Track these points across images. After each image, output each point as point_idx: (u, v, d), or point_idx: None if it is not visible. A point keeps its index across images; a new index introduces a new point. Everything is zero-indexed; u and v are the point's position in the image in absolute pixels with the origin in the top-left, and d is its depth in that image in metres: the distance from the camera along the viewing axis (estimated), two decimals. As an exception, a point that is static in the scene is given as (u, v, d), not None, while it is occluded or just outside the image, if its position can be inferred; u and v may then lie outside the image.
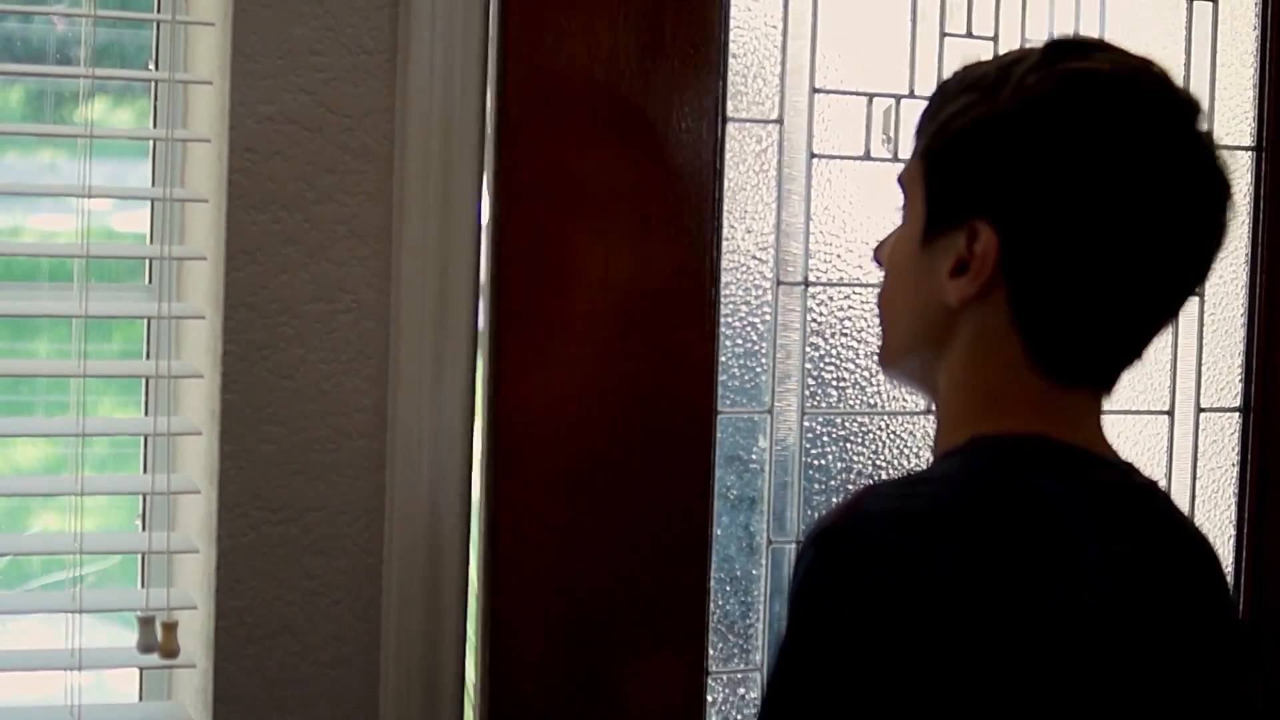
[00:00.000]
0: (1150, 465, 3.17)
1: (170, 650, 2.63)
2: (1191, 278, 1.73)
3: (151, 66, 2.78)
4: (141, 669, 2.80)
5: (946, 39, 3.02)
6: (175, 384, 2.74)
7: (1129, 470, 1.77)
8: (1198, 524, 1.89)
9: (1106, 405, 1.79)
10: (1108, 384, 1.76)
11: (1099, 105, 1.67)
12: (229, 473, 2.65)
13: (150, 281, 2.79)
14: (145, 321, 2.78)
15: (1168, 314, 1.74)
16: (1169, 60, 2.31)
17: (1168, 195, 1.67)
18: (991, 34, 3.05)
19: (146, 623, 2.64)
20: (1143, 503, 1.75)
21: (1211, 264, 1.74)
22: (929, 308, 1.75)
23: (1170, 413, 3.19)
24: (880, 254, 1.85)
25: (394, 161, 2.67)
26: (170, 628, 2.64)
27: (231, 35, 2.62)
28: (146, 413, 2.78)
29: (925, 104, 1.80)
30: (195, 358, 2.72)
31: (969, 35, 3.04)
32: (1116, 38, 1.90)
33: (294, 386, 2.66)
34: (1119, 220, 1.66)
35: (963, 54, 3.02)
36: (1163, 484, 2.78)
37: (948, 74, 1.81)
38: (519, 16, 2.73)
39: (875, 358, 1.94)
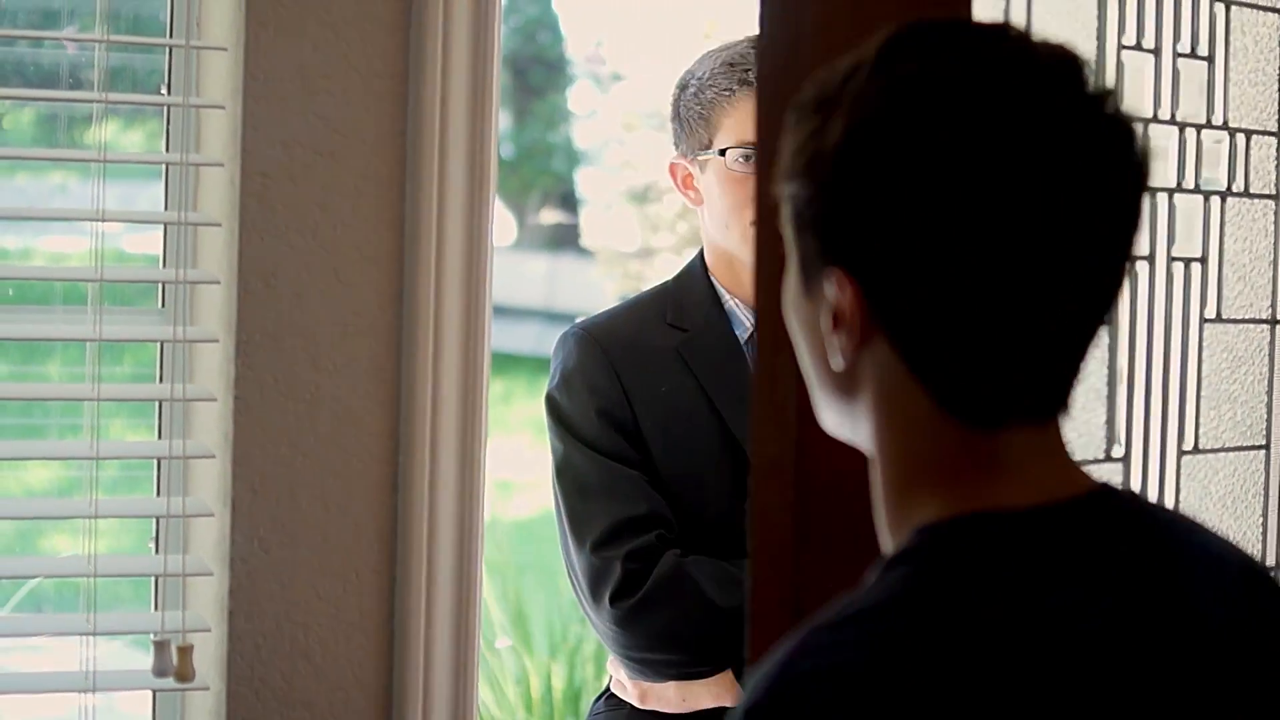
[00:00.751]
0: (1245, 506, 2.98)
1: (185, 674, 2.64)
2: (1105, 263, 1.46)
3: (164, 90, 2.79)
4: (155, 691, 2.81)
5: None
6: (188, 407, 2.75)
7: (1118, 502, 1.50)
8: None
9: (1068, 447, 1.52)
10: (1050, 411, 1.48)
11: (931, 115, 1.42)
12: (242, 496, 2.66)
13: (164, 305, 2.80)
14: (158, 345, 2.79)
15: (1091, 313, 1.47)
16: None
17: (1040, 184, 1.42)
18: None
19: (161, 646, 2.65)
20: (1168, 554, 1.49)
21: (1129, 240, 1.47)
22: (827, 364, 1.50)
23: (1266, 447, 2.92)
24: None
25: (405, 185, 2.69)
26: (185, 651, 2.64)
27: (244, 60, 2.63)
28: (160, 436, 2.79)
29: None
30: (208, 381, 2.73)
31: None
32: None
33: (307, 410, 2.67)
34: (986, 232, 1.41)
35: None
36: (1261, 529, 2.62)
37: None
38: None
39: None
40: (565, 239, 16.07)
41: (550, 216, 16.60)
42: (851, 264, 1.44)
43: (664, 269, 9.27)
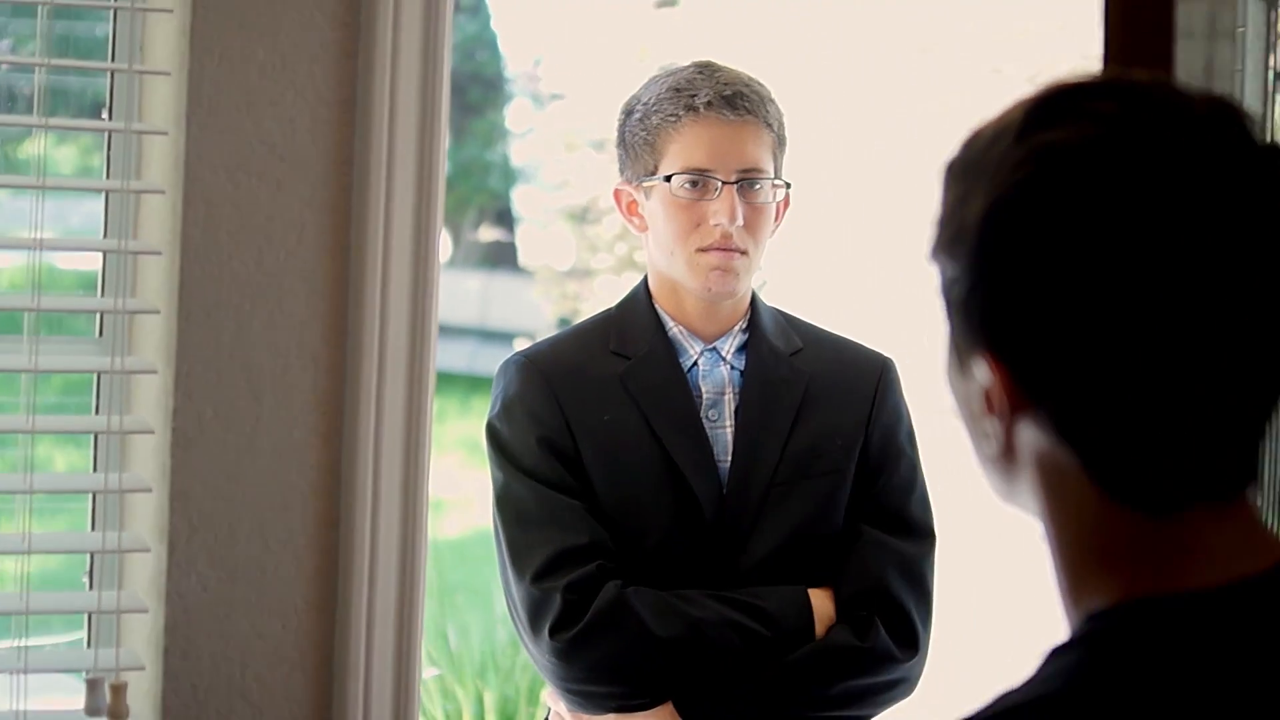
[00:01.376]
0: None
1: (119, 713, 2.58)
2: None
3: (105, 115, 2.73)
4: (87, 729, 2.74)
5: None
6: (126, 438, 2.69)
7: None
8: None
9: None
10: (1235, 487, 1.34)
11: (1078, 188, 1.31)
12: (180, 531, 2.60)
13: (101, 334, 2.74)
14: (95, 374, 2.73)
15: (1271, 380, 1.33)
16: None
17: (1205, 250, 1.30)
18: None
19: (94, 684, 2.59)
20: None
21: None
22: (987, 442, 1.40)
23: None
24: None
25: (350, 213, 2.63)
26: (119, 689, 2.58)
27: (188, 85, 2.57)
28: (96, 467, 2.72)
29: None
30: (146, 412, 2.67)
31: None
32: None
33: (247, 443, 2.61)
34: (1148, 309, 1.31)
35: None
36: None
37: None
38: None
39: None
40: (502, 257, 16.01)
41: (487, 234, 16.55)
42: (1001, 350, 1.34)
43: (602, 290, 9.24)
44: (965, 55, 4.71)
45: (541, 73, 13.42)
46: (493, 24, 16.40)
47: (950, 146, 1.44)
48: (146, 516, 2.67)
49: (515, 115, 16.12)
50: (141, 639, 2.67)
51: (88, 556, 2.74)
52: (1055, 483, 1.35)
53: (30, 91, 2.64)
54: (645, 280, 2.84)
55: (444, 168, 2.70)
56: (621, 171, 2.81)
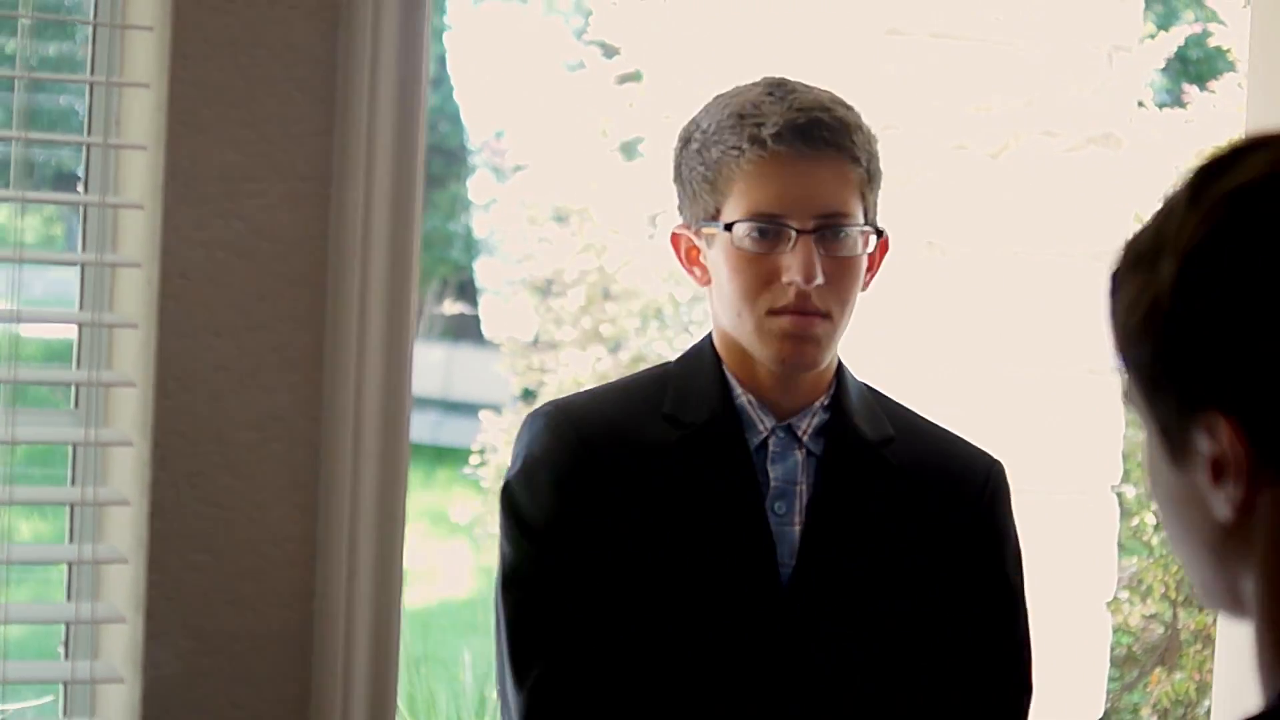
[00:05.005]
0: None
1: (94, 783, 2.59)
2: None
3: (80, 187, 2.76)
4: (61, 800, 2.75)
5: None
6: (102, 509, 2.71)
7: None
8: None
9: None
10: None
11: (1263, 223, 1.31)
12: (156, 601, 2.62)
13: (77, 405, 2.76)
14: (71, 445, 2.75)
15: None
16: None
17: None
18: None
19: (69, 755, 2.60)
20: None
21: None
22: (1210, 528, 1.36)
23: None
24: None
25: (326, 288, 2.66)
26: (94, 760, 2.60)
27: (164, 159, 2.60)
28: (71, 538, 2.74)
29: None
30: (122, 483, 2.69)
31: None
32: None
33: (223, 515, 2.64)
34: None
35: None
36: None
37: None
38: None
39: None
40: (465, 329, 16.06)
41: (450, 306, 16.59)
42: (1228, 401, 1.32)
43: (568, 362, 9.26)
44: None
45: (504, 145, 13.51)
46: (455, 96, 16.48)
47: None
48: (122, 586, 2.68)
49: (477, 187, 16.21)
50: (117, 709, 2.69)
51: (63, 627, 2.76)
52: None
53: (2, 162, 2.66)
54: (710, 337, 2.44)
55: (418, 242, 2.72)
56: (680, 212, 2.44)
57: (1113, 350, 1.42)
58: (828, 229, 2.30)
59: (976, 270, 4.83)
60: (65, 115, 2.81)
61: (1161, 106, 8.13)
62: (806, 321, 2.30)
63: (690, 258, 2.42)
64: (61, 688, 2.76)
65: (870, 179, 2.35)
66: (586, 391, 2.54)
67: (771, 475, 2.35)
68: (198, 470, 2.62)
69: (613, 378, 9.16)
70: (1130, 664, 6.43)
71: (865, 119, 2.38)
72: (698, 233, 2.39)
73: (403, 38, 2.68)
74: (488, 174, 15.48)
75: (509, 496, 2.38)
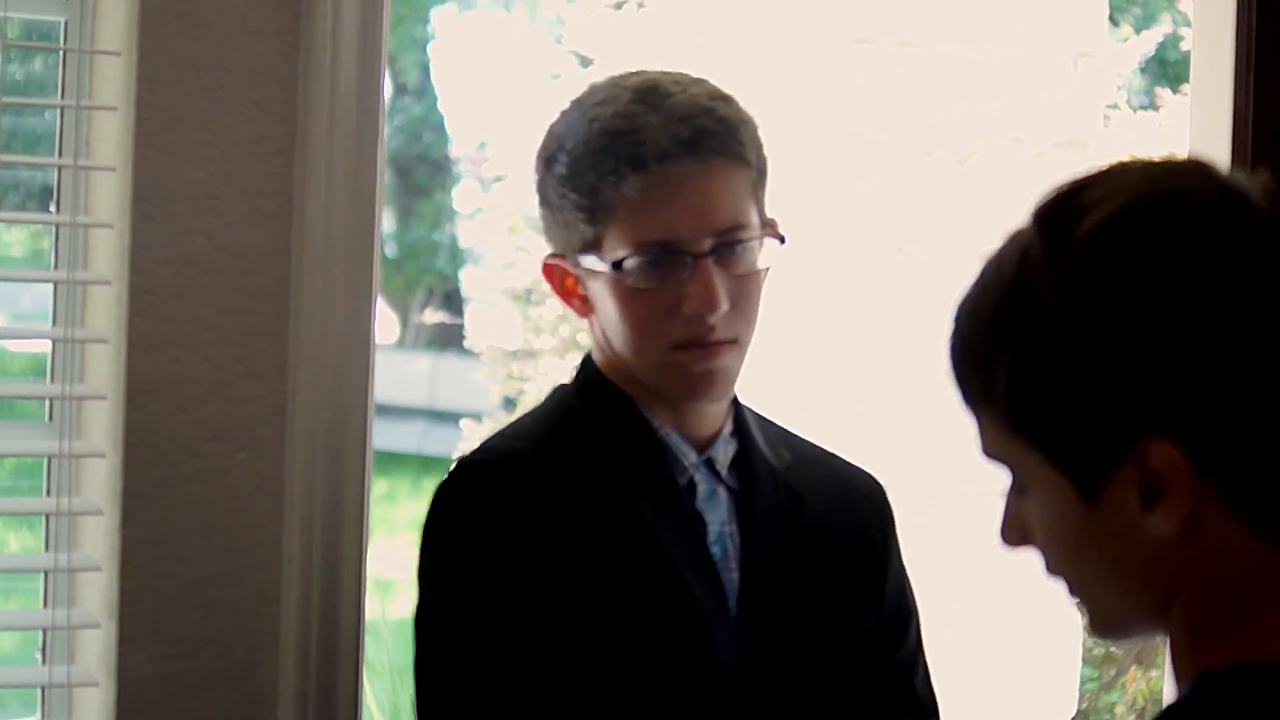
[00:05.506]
0: None
1: (69, 784, 2.67)
2: None
3: (53, 206, 2.84)
4: (40, 801, 2.83)
5: None
6: (76, 519, 2.78)
7: None
8: None
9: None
10: None
11: (1143, 250, 1.36)
12: (129, 607, 2.69)
13: (51, 418, 2.84)
14: (46, 458, 2.83)
15: None
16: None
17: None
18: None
19: (46, 757, 2.68)
20: None
21: None
22: (1138, 556, 1.41)
23: None
24: (1012, 537, 1.51)
25: (289, 302, 2.74)
26: (69, 761, 2.67)
27: (132, 179, 2.68)
28: (48, 547, 2.82)
29: (947, 362, 1.49)
30: (95, 493, 2.77)
31: None
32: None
33: (192, 523, 2.71)
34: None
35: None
36: None
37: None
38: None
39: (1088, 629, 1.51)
40: (449, 338, 16.10)
41: (434, 316, 16.64)
42: (1158, 428, 1.36)
43: (547, 371, 9.32)
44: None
45: (485, 155, 13.56)
46: (439, 105, 16.54)
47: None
48: (96, 593, 2.76)
49: (462, 196, 16.26)
50: (93, 713, 2.76)
51: (40, 633, 2.83)
52: (1224, 559, 1.39)
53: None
54: (593, 367, 2.21)
55: (379, 254, 2.80)
56: (548, 239, 2.18)
57: (965, 402, 1.47)
58: (725, 247, 2.07)
59: (946, 275, 4.91)
60: (36, 137, 2.89)
61: (1140, 109, 8.20)
62: (714, 352, 2.08)
63: (568, 289, 2.17)
64: (39, 692, 2.84)
65: (760, 176, 2.13)
66: (498, 436, 2.22)
67: (707, 518, 2.15)
68: (167, 480, 2.70)
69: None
70: (1108, 663, 6.51)
71: (742, 103, 2.15)
72: (576, 264, 2.14)
73: (361, 57, 2.76)
74: (473, 184, 15.55)
75: (428, 551, 2.18)
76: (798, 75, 5.01)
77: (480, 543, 2.12)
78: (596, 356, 2.21)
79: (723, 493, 2.17)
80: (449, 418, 12.92)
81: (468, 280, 16.04)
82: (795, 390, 4.11)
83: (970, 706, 4.14)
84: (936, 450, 4.64)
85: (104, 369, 2.76)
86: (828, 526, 2.23)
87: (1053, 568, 1.48)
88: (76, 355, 2.80)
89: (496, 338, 9.97)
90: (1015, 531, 1.50)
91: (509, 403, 9.66)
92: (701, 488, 2.17)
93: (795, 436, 2.31)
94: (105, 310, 2.76)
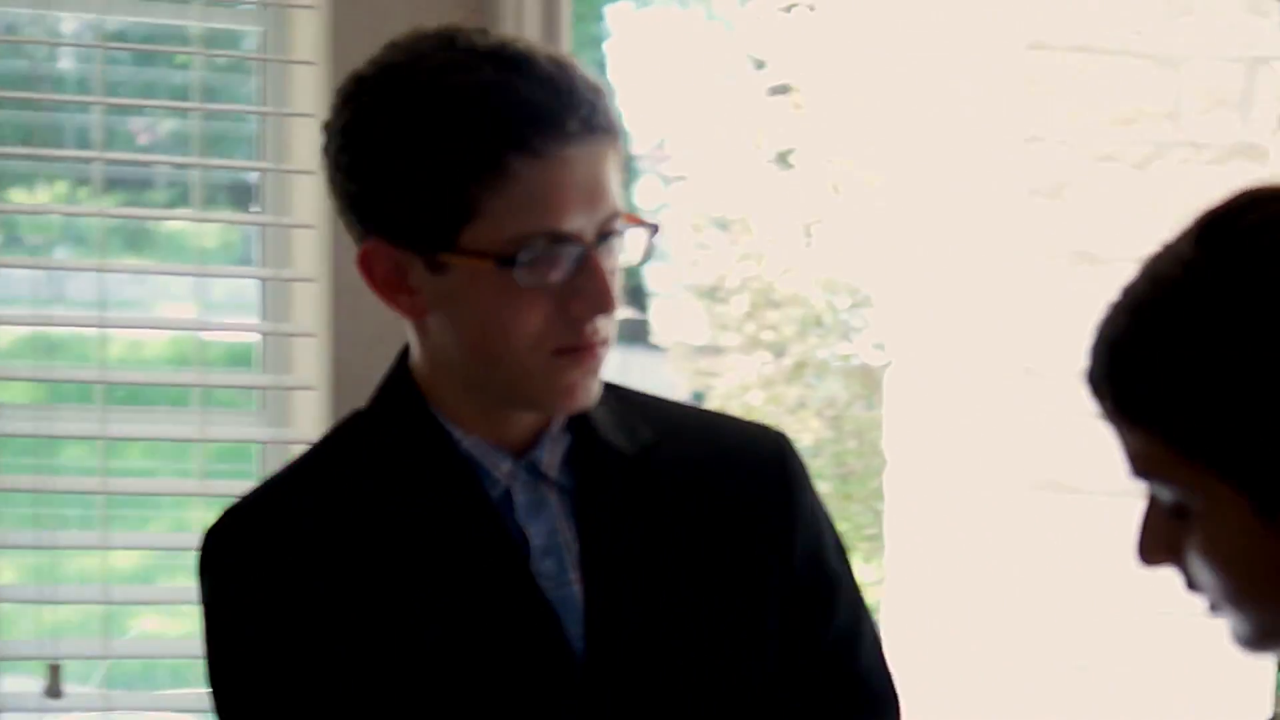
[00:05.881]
0: None
1: None
2: None
3: (258, 207, 3.02)
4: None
5: None
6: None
7: None
8: None
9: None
10: None
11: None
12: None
13: (262, 406, 3.02)
14: (257, 445, 3.01)
15: None
16: None
17: None
18: None
19: None
20: None
21: None
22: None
23: None
24: (1156, 556, 1.48)
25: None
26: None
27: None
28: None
29: (1093, 373, 1.46)
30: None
31: None
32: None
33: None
34: None
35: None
36: None
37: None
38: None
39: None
40: (636, 333, 16.27)
41: (621, 311, 16.79)
42: None
43: (734, 366, 9.43)
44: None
45: (667, 153, 13.70)
46: (617, 104, 16.65)
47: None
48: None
49: (644, 193, 16.43)
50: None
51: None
52: None
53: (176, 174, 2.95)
54: (406, 375, 1.89)
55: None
56: (362, 224, 1.81)
57: (1148, 443, 1.42)
58: (607, 237, 1.78)
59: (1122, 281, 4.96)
60: (231, 136, 3.08)
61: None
62: (596, 356, 1.81)
63: (391, 284, 1.81)
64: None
65: (620, 153, 1.81)
66: (266, 483, 1.91)
67: (529, 531, 1.83)
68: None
69: (778, 383, 9.35)
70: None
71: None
72: (420, 256, 1.78)
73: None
74: (654, 180, 15.69)
75: (205, 615, 1.84)
76: (971, 79, 5.09)
77: (246, 594, 1.81)
78: (419, 362, 1.87)
79: (553, 497, 1.84)
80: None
81: (652, 276, 16.19)
82: (965, 397, 4.20)
83: (1163, 705, 4.21)
84: (1110, 447, 4.69)
85: (310, 359, 2.93)
86: (702, 504, 1.89)
87: (1207, 585, 1.44)
88: (285, 346, 2.97)
89: (682, 333, 10.10)
90: (1160, 550, 1.46)
91: (697, 397, 9.80)
92: (520, 498, 1.84)
93: (672, 406, 1.98)
94: (311, 305, 2.93)
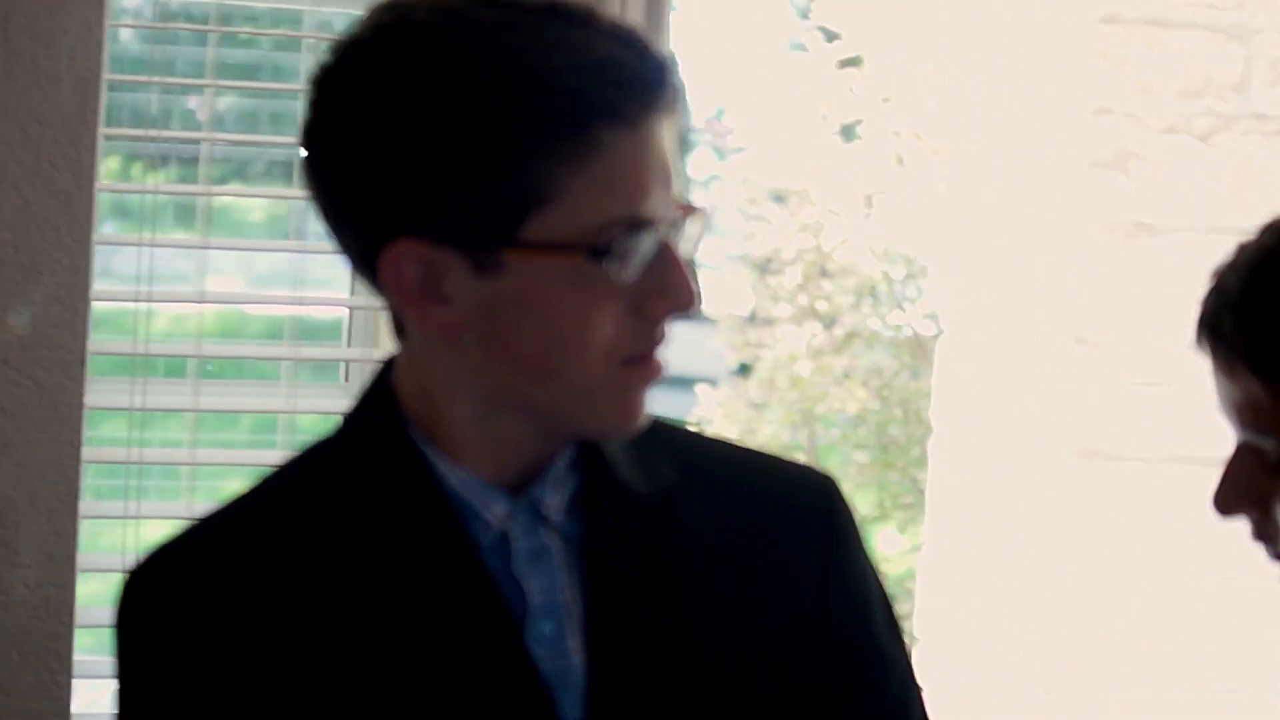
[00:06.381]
0: None
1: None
2: None
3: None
4: None
5: None
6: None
7: None
8: None
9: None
10: None
11: None
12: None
13: (347, 379, 3.05)
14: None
15: None
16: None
17: None
18: None
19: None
20: None
21: None
22: None
23: None
24: (1240, 505, 1.52)
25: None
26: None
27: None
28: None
29: (1207, 323, 1.51)
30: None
31: None
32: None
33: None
34: None
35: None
36: None
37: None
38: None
39: None
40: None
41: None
42: None
43: (784, 338, 9.45)
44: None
45: (725, 126, 13.71)
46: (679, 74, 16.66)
47: None
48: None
49: (697, 164, 16.45)
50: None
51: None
52: None
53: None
54: (387, 394, 1.55)
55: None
56: (391, 219, 1.45)
57: (1263, 392, 1.46)
58: (680, 222, 1.51)
59: (1189, 253, 4.97)
60: (272, 113, 3.11)
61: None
62: (661, 367, 1.53)
63: (423, 294, 1.47)
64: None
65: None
66: (201, 520, 1.57)
67: (528, 587, 1.52)
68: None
69: (827, 354, 9.36)
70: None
71: None
72: (465, 256, 1.45)
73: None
74: (707, 152, 15.70)
75: (117, 668, 1.54)
76: (1041, 51, 5.10)
77: (165, 656, 1.50)
78: (410, 380, 1.55)
79: (555, 545, 1.53)
80: (684, 383, 13.14)
81: (701, 247, 16.20)
82: (1014, 366, 4.20)
83: (1184, 664, 4.23)
84: (1161, 418, 4.67)
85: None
86: (730, 561, 1.58)
87: (1275, 535, 1.49)
88: (372, 320, 3.00)
89: (730, 304, 10.13)
90: (1245, 500, 1.49)
91: (744, 368, 9.81)
92: (520, 544, 1.53)
93: (704, 442, 1.69)
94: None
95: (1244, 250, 1.50)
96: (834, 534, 1.64)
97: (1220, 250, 1.60)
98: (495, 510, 1.54)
